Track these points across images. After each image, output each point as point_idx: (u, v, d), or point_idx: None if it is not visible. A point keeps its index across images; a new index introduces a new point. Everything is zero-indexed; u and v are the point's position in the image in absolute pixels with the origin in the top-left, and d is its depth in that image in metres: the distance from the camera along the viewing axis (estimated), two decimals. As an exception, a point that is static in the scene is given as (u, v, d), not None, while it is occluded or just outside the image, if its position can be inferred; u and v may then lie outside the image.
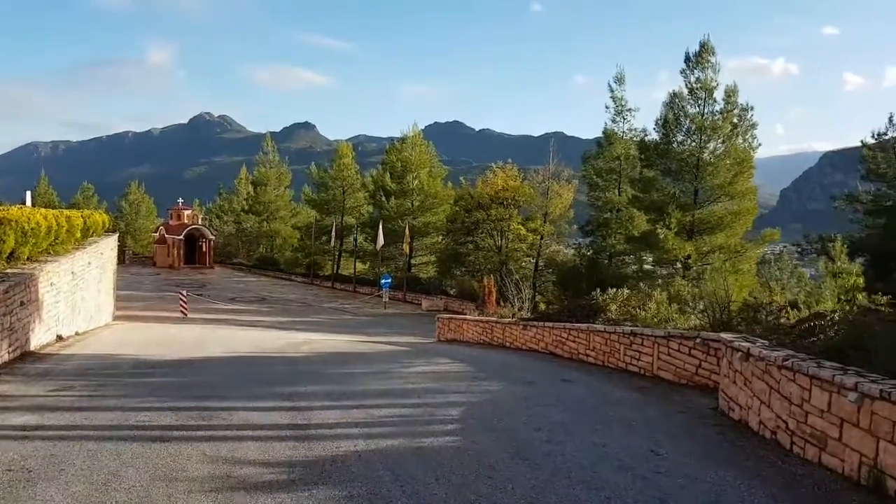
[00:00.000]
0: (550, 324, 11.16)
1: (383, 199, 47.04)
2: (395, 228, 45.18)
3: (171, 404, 6.55)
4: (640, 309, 12.60)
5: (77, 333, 14.76)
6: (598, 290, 13.48)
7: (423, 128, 49.08)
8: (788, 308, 10.65)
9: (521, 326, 12.34)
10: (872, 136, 28.30)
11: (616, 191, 31.79)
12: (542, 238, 35.53)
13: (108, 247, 20.64)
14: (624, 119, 31.88)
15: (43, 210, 13.79)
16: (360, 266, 51.62)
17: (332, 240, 50.76)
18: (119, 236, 67.92)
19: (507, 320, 13.26)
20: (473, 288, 37.24)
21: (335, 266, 54.00)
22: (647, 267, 28.05)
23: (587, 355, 9.85)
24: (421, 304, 38.30)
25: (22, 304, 10.60)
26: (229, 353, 11.97)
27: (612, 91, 31.80)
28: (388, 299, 37.83)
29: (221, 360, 10.69)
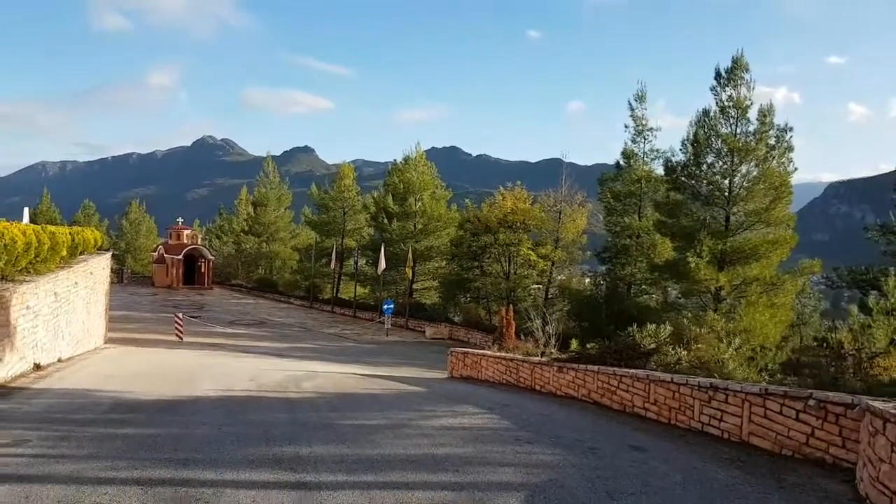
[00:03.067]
0: (595, 367, 9.56)
1: (385, 221, 45.73)
2: (397, 252, 43.82)
3: (142, 474, 5.01)
4: (686, 350, 11.07)
5: (60, 360, 13.47)
6: (635, 327, 11.92)
7: (413, 155, 47.60)
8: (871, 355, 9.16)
9: (555, 368, 10.71)
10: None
11: (636, 215, 30.24)
12: (553, 265, 34.03)
13: (99, 266, 19.37)
14: (645, 139, 30.28)
15: (22, 224, 12.40)
16: (360, 290, 50.16)
17: (332, 262, 49.31)
18: (119, 255, 66.40)
19: (536, 360, 11.62)
20: (480, 316, 35.68)
21: (335, 289, 52.51)
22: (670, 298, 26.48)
23: (646, 410, 8.27)
24: (424, 332, 36.72)
25: (-15, 330, 9.20)
26: (223, 391, 10.41)
27: (631, 110, 30.31)
28: (389, 326, 36.23)
29: (212, 403, 9.12)
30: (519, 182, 37.85)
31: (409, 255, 41.05)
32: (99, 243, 20.12)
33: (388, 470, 5.37)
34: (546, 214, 34.34)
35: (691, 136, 23.18)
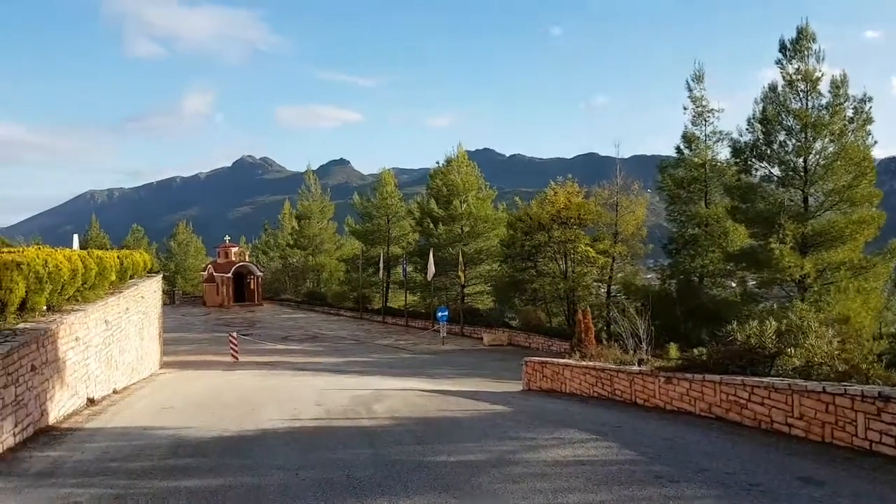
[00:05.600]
0: (716, 377, 8.25)
1: (431, 226, 44.84)
2: (445, 256, 42.90)
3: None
4: (794, 346, 9.65)
5: (115, 391, 12.79)
6: (736, 324, 10.54)
7: (455, 156, 46.43)
8: None
9: (661, 379, 9.42)
10: None
11: (703, 202, 28.40)
12: (613, 260, 32.44)
13: (150, 289, 18.87)
14: (706, 121, 28.48)
15: (67, 251, 11.75)
16: (410, 298, 49.37)
17: (381, 271, 48.63)
18: (169, 276, 67.29)
19: (635, 369, 10.31)
20: (540, 319, 34.34)
21: (384, 299, 51.85)
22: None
23: (790, 426, 6.96)
24: (482, 339, 35.51)
25: (33, 368, 8.43)
26: (290, 420, 9.49)
27: (690, 90, 28.59)
28: (445, 334, 35.19)
29: (281, 438, 8.16)
30: (570, 176, 36.40)
31: (461, 258, 40.00)
32: (149, 266, 19.70)
33: (517, 533, 4.27)
34: (601, 208, 32.80)
35: (758, 114, 21.54)
